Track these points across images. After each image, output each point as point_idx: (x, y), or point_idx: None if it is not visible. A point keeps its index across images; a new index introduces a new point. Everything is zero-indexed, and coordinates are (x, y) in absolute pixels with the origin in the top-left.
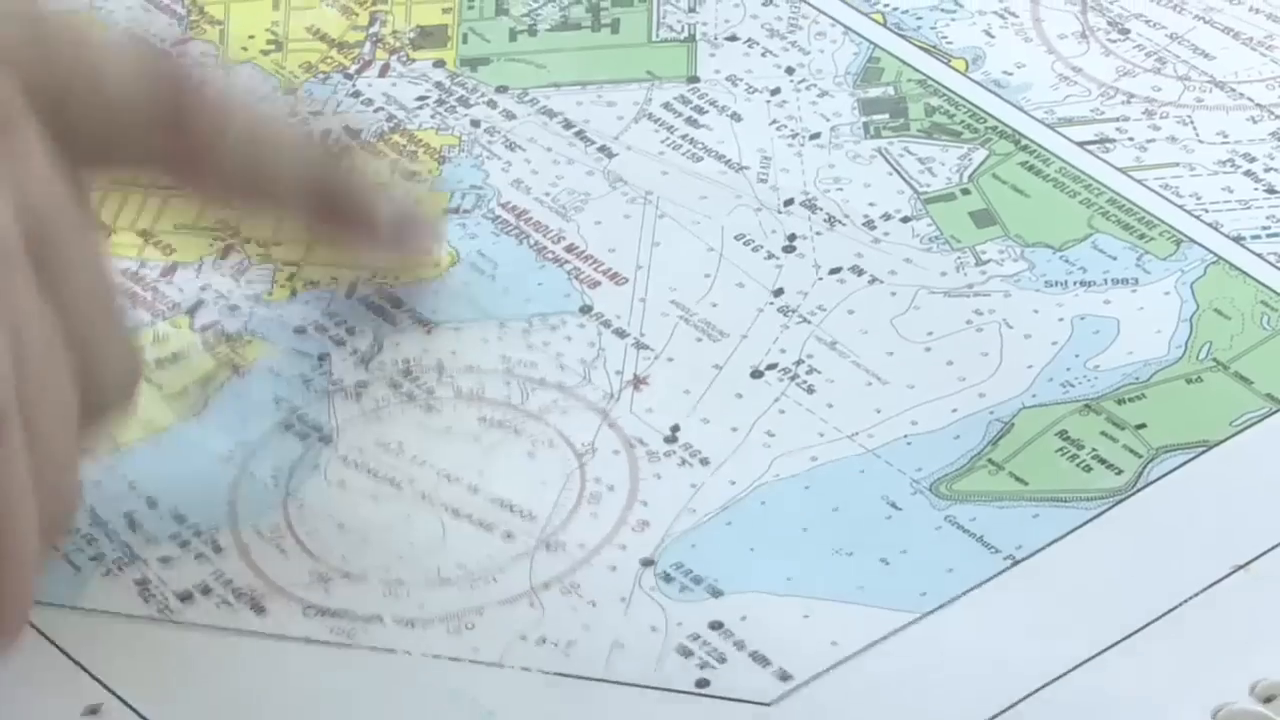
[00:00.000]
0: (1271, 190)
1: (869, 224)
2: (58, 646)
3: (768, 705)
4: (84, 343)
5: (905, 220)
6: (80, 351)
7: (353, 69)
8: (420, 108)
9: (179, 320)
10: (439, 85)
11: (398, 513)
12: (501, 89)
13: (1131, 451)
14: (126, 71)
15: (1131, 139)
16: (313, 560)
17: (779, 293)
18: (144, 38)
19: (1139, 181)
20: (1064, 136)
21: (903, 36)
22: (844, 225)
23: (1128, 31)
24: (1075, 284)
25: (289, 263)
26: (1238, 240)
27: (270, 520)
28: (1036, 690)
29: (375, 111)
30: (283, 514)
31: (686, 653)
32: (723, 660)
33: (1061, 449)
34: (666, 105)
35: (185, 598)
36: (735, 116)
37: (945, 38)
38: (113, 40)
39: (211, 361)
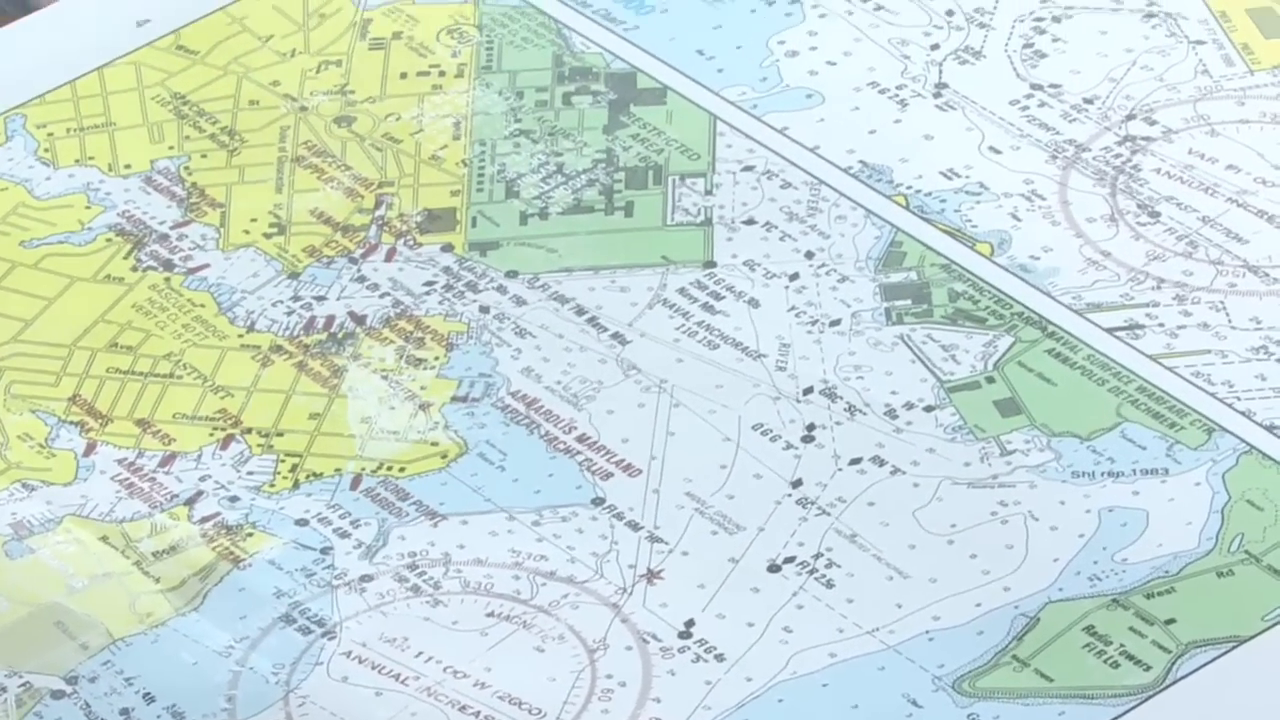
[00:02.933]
0: None
1: (890, 413)
2: None
3: None
4: None
5: (928, 409)
6: None
7: (358, 253)
8: (428, 293)
9: (177, 511)
10: (447, 270)
11: (402, 708)
12: (511, 274)
13: (1160, 647)
14: None
15: (1162, 325)
16: None
17: (797, 484)
18: None
19: (1170, 369)
20: (1092, 323)
21: (926, 220)
22: (865, 414)
23: (1158, 214)
24: (1103, 474)
25: (291, 453)
26: (1271, 429)
27: (271, 716)
28: None
29: (381, 297)
30: (284, 710)
31: None
32: None
33: (1088, 645)
34: (682, 291)
35: None
36: (753, 302)
37: (970, 221)
38: None
39: (211, 553)
